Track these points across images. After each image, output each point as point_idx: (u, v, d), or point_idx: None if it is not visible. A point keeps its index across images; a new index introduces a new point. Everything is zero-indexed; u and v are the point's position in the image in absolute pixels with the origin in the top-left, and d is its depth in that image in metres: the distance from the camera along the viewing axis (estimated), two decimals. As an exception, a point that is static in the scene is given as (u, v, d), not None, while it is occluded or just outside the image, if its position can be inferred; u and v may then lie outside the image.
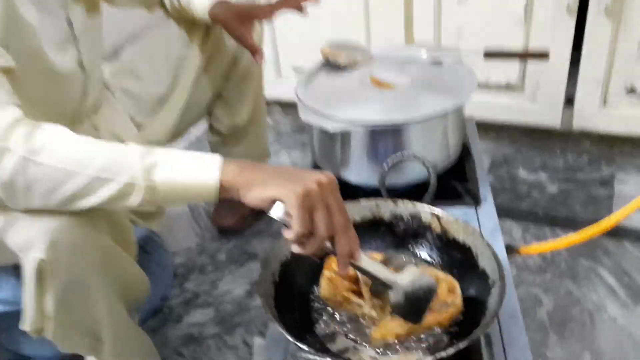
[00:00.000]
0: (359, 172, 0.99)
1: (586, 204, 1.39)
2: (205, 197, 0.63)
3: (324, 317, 0.75)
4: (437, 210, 0.82)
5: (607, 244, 1.24)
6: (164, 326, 1.16)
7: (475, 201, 0.98)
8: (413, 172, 0.96)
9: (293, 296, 0.76)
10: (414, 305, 0.69)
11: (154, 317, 1.17)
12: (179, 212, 1.47)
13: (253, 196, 0.61)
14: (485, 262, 0.75)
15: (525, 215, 1.37)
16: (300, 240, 0.61)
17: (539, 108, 1.51)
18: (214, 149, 1.32)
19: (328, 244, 0.63)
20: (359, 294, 0.75)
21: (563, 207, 1.39)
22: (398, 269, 0.70)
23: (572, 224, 1.32)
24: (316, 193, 0.60)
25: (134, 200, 0.62)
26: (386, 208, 0.85)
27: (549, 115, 1.51)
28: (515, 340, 0.74)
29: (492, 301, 0.69)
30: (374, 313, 0.73)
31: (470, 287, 0.76)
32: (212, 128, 1.29)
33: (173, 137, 1.15)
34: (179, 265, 1.31)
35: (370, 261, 0.68)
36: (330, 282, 0.75)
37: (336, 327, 0.74)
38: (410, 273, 0.70)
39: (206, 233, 1.41)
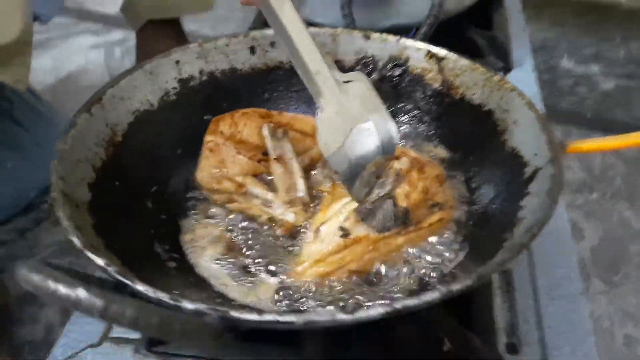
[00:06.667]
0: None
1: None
2: None
3: (201, 228, 0.41)
4: (437, 49, 0.45)
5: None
6: (37, 228, 0.82)
7: (505, 62, 0.61)
8: (405, 6, 0.58)
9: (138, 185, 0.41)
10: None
11: (25, 214, 0.83)
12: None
13: None
14: (519, 137, 0.38)
15: (566, 117, 0.99)
16: None
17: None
18: None
19: None
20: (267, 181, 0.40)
21: (620, 109, 1.00)
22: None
23: (629, 131, 0.95)
24: None
25: None
26: (350, 43, 0.47)
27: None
28: (560, 284, 0.40)
29: (528, 207, 0.34)
30: (290, 217, 0.38)
31: (485, 183, 0.40)
32: None
33: None
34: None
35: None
36: (213, 153, 0.39)
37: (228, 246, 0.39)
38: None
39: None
